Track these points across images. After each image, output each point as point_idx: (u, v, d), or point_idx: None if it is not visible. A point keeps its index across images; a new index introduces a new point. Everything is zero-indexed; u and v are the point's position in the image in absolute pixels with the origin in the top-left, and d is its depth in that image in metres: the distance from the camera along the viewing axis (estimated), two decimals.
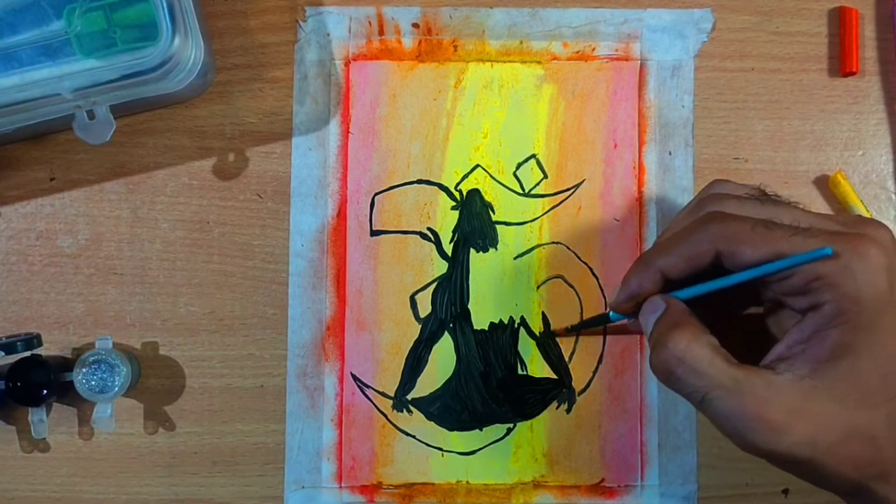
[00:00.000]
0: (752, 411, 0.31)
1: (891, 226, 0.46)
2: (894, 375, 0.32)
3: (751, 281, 0.33)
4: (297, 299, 0.45)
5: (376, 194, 0.46)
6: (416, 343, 0.45)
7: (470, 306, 0.45)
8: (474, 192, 0.46)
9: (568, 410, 0.45)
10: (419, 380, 0.45)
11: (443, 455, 0.45)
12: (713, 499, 0.45)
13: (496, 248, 0.46)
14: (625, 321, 0.38)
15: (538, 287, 0.46)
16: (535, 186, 0.46)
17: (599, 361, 0.45)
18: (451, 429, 0.45)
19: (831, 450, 0.31)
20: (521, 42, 0.46)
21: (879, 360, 0.31)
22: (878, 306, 0.31)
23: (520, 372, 0.45)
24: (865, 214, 0.45)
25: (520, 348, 0.45)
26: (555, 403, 0.45)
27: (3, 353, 0.41)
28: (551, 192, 0.46)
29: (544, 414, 0.45)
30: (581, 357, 0.45)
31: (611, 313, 0.38)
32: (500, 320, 0.45)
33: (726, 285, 0.33)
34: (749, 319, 0.38)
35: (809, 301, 0.32)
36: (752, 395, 0.31)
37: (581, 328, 0.45)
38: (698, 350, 0.32)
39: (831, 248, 0.30)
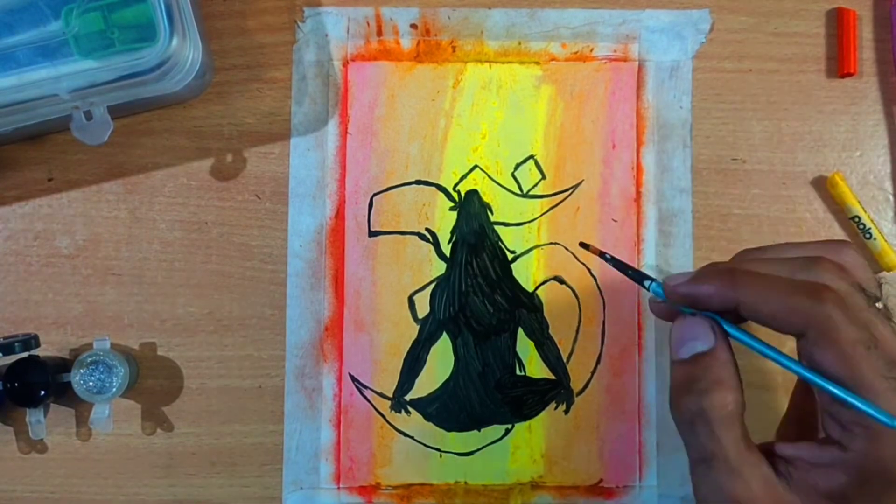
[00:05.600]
0: (739, 496, 0.30)
1: (889, 226, 0.46)
2: None
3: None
4: (296, 300, 0.45)
5: (375, 195, 0.46)
6: (415, 344, 0.45)
7: (468, 307, 0.45)
8: (473, 193, 0.46)
9: (566, 411, 0.45)
10: (417, 380, 0.45)
11: (441, 456, 0.45)
12: None
13: (494, 249, 0.46)
14: (656, 300, 0.34)
15: (536, 288, 0.46)
16: (533, 187, 0.46)
17: (598, 362, 0.45)
18: (449, 429, 0.45)
19: None
20: (520, 43, 0.46)
21: None
22: (893, 488, 0.29)
23: (518, 372, 0.45)
24: (863, 216, 0.45)
25: (518, 349, 0.45)
26: (553, 404, 0.45)
27: (1, 354, 0.41)
28: (549, 192, 0.46)
29: (543, 414, 0.45)
30: (579, 358, 0.45)
31: (652, 285, 0.34)
32: (499, 321, 0.45)
33: (786, 366, 0.31)
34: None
35: (840, 435, 0.30)
36: (747, 483, 0.30)
37: (616, 264, 0.36)
38: (728, 419, 0.31)
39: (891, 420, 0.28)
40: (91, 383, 0.42)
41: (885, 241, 0.45)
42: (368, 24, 0.46)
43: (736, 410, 0.31)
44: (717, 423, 0.31)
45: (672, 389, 0.32)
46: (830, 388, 0.29)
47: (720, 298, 0.31)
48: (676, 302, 0.33)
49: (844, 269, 0.31)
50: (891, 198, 0.46)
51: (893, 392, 0.29)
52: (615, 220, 0.46)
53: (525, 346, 0.45)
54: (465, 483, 0.45)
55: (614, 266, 0.36)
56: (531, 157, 0.46)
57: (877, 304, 0.31)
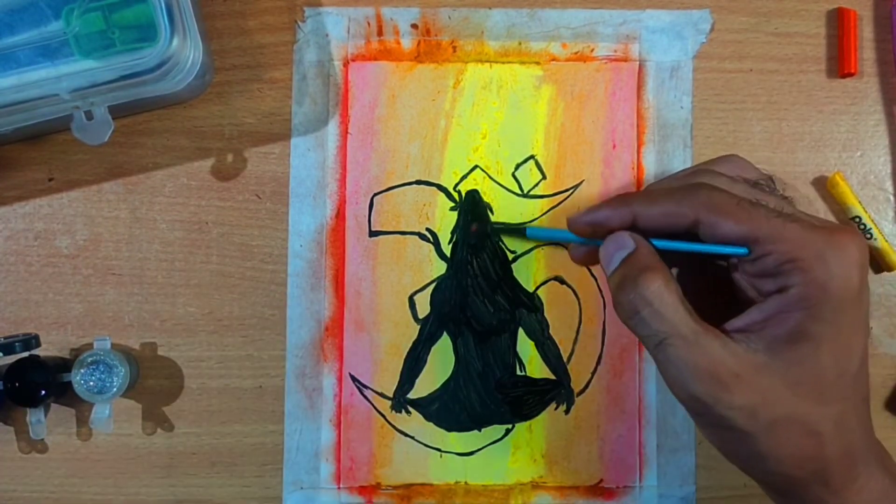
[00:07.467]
0: (703, 364, 0.31)
1: (890, 226, 0.46)
2: (850, 375, 0.32)
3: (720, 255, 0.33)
4: (296, 300, 0.45)
5: (375, 195, 0.46)
6: (415, 344, 0.45)
7: (469, 307, 0.45)
8: (473, 193, 0.46)
9: (567, 411, 0.45)
10: (418, 380, 0.45)
11: (441, 456, 0.45)
12: (711, 500, 0.45)
13: (495, 249, 0.46)
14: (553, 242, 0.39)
15: (537, 288, 0.46)
16: (533, 187, 0.46)
17: (598, 362, 0.45)
18: (449, 429, 0.45)
19: (771, 429, 0.31)
20: (520, 43, 0.46)
21: (838, 357, 0.31)
22: (845, 301, 0.31)
23: (518, 372, 0.45)
24: (864, 216, 0.45)
25: (518, 349, 0.45)
26: (553, 404, 0.45)
27: (1, 354, 0.41)
28: (550, 192, 0.46)
29: (543, 415, 0.45)
30: (580, 358, 0.45)
31: (527, 229, 0.39)
32: (499, 321, 0.45)
33: (692, 250, 0.33)
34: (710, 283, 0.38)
35: (777, 284, 0.31)
36: (707, 350, 0.31)
37: (500, 229, 0.45)
38: (668, 296, 0.32)
39: (747, 249, 0.32)
40: (91, 383, 0.43)
41: (886, 241, 0.45)
42: (369, 24, 0.46)
43: (672, 289, 0.32)
44: (659, 302, 0.32)
45: (613, 297, 0.34)
46: (698, 248, 0.33)
47: (618, 216, 0.34)
48: (583, 234, 0.35)
49: (721, 173, 0.35)
50: (891, 198, 0.46)
51: (786, 222, 0.31)
52: None
53: (525, 346, 0.45)
54: (466, 483, 0.45)
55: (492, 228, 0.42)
56: (532, 157, 0.46)
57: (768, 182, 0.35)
